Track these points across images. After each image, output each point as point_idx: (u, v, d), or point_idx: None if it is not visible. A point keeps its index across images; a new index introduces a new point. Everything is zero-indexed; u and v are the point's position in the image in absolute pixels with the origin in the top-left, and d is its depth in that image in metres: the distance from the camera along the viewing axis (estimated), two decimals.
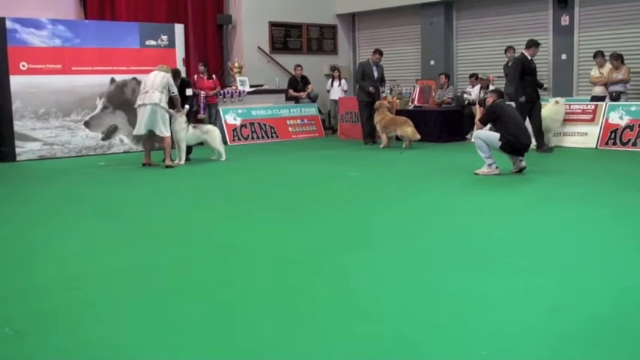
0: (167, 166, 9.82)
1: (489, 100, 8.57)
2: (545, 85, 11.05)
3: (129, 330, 3.44)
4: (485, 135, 8.33)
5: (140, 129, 9.87)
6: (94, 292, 4.10)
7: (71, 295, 4.03)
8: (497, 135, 8.18)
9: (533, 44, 10.71)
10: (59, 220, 6.39)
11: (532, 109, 10.45)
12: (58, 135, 11.53)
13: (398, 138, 12.02)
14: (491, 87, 13.10)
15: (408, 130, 11.61)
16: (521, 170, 8.29)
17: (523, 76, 10.39)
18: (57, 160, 11.18)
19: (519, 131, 8.27)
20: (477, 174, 8.27)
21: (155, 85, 9.75)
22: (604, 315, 3.49)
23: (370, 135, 12.59)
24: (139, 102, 9.87)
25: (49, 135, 11.45)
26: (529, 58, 10.57)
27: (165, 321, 3.56)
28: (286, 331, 3.36)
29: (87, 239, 5.57)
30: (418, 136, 11.63)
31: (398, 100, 13.55)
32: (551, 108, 11.10)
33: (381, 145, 11.96)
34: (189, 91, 10.46)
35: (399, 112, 13.22)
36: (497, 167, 8.22)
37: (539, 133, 10.58)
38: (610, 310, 3.56)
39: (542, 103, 10.92)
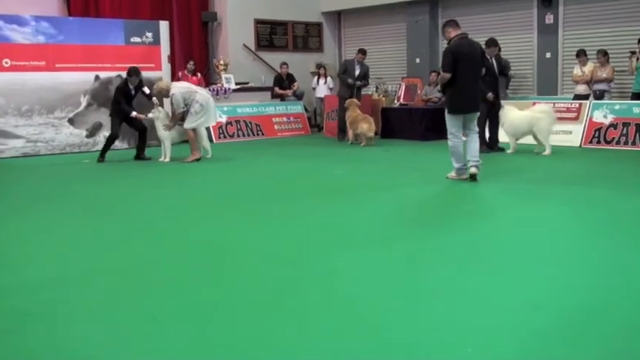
0: (197, 160, 10.10)
1: (449, 34, 7.58)
2: (510, 72, 10.75)
3: (107, 329, 3.42)
4: (447, 124, 7.84)
5: (211, 120, 10.33)
6: (73, 291, 4.07)
7: (50, 294, 3.99)
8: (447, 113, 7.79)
9: (491, 43, 10.30)
10: (39, 217, 6.33)
11: (490, 110, 10.10)
12: (41, 132, 11.44)
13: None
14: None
15: (364, 126, 11.75)
16: (472, 177, 7.68)
17: (483, 77, 9.85)
18: (40, 158, 11.09)
19: (465, 85, 7.59)
20: (447, 178, 7.97)
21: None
22: (585, 311, 3.53)
23: (344, 131, 12.62)
24: (207, 95, 10.26)
25: (33, 132, 11.37)
26: (487, 57, 9.68)
27: (146, 319, 3.54)
28: (271, 330, 3.36)
29: (68, 237, 5.52)
30: (372, 132, 11.80)
31: (384, 98, 13.57)
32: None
33: (349, 142, 12.19)
34: (146, 90, 10.44)
35: (384, 110, 13.28)
36: (465, 173, 7.84)
37: (496, 134, 10.45)
38: (591, 306, 3.59)
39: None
